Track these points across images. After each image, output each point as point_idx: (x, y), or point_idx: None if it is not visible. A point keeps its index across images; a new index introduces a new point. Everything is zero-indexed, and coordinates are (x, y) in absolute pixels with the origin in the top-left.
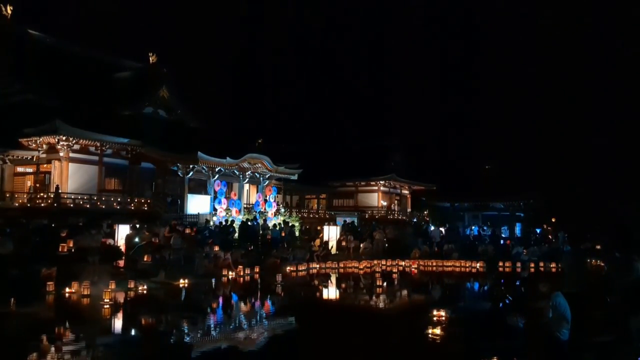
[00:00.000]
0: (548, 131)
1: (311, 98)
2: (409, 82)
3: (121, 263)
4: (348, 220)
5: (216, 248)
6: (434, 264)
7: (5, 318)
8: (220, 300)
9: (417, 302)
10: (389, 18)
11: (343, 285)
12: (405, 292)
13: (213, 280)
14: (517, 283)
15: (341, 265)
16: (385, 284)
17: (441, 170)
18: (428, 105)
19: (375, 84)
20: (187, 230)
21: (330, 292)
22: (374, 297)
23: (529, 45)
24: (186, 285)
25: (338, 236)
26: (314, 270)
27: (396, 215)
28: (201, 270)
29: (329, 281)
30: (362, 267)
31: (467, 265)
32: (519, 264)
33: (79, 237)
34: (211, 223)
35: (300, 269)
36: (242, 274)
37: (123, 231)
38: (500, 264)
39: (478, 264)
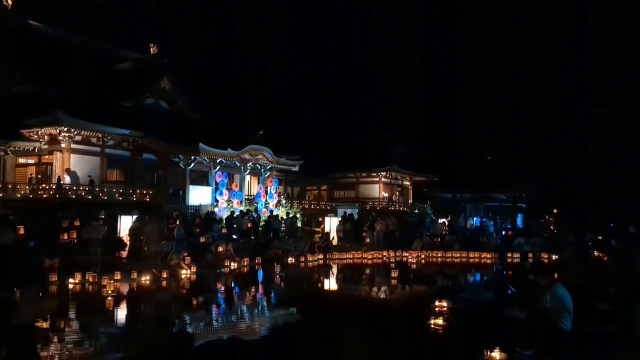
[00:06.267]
0: (550, 121)
1: (312, 90)
2: (409, 73)
3: (124, 254)
4: (349, 211)
5: (202, 239)
6: (438, 255)
7: (11, 309)
8: (223, 290)
9: (419, 292)
10: (389, 7)
11: (344, 276)
12: (406, 283)
13: (216, 271)
14: (519, 274)
15: (342, 256)
16: (387, 275)
17: (443, 161)
18: (430, 96)
19: (376, 75)
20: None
21: (331, 283)
22: (375, 288)
23: (529, 32)
24: (189, 275)
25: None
26: (316, 262)
27: (398, 206)
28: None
29: (330, 272)
30: (363, 258)
31: (472, 256)
32: (530, 255)
33: (82, 228)
34: (218, 215)
35: (301, 260)
36: (244, 264)
37: (125, 222)
38: (509, 255)
39: (484, 255)
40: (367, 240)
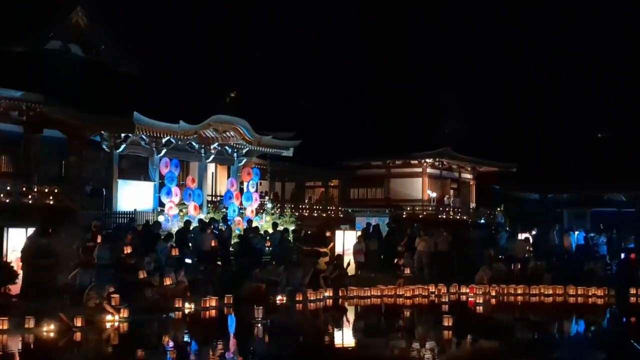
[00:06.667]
0: None
1: (314, 27)
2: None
3: (14, 289)
4: (374, 221)
5: (142, 274)
6: (517, 291)
7: None
8: (170, 349)
9: (488, 352)
10: None
11: (366, 326)
12: (468, 338)
13: (161, 318)
14: None
15: (363, 292)
16: (436, 324)
17: (525, 141)
18: (501, 40)
19: (416, 6)
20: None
21: (346, 337)
22: (417, 346)
23: None
24: (117, 324)
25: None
26: (322, 303)
27: (452, 213)
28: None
29: (344, 319)
30: (397, 296)
31: (572, 292)
32: None
33: None
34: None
35: (298, 298)
36: (206, 305)
37: (15, 238)
38: (632, 291)
39: (591, 292)
40: (406, 271)
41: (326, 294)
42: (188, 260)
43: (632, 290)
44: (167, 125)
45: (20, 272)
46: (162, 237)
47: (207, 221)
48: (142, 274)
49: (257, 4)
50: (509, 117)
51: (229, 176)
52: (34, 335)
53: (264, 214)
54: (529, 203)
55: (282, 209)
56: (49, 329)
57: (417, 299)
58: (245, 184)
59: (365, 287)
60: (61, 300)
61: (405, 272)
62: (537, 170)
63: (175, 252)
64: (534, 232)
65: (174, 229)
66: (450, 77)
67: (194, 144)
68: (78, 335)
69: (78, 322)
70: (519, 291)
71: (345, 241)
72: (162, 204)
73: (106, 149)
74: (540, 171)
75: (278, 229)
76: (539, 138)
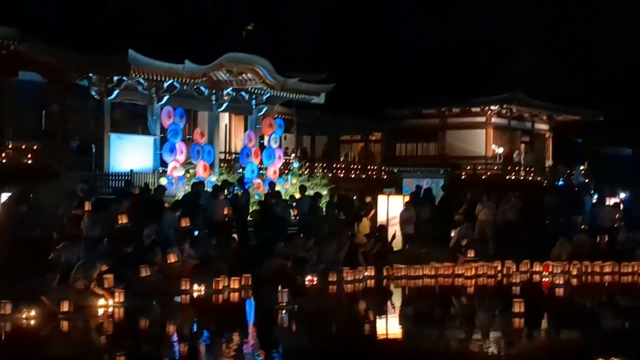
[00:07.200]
0: None
1: None
2: None
3: None
4: (425, 184)
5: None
6: (604, 269)
7: None
8: (174, 342)
9: (568, 344)
10: None
11: (416, 313)
12: (543, 327)
13: (163, 302)
14: None
15: (413, 272)
16: (503, 310)
17: (614, 83)
18: None
19: None
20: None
21: (391, 326)
22: (479, 336)
23: None
24: (110, 310)
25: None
26: (361, 285)
27: (523, 173)
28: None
29: (389, 304)
30: (455, 276)
31: None
32: None
33: None
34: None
35: (331, 279)
36: (219, 288)
37: None
38: None
39: None
40: (470, 254)
41: (366, 274)
42: (196, 233)
43: None
44: (170, 66)
45: None
46: (169, 205)
47: (220, 184)
48: (144, 272)
49: None
50: (594, 53)
51: (246, 129)
52: (11, 323)
53: (289, 176)
54: (620, 160)
55: (312, 169)
56: (28, 316)
57: (480, 279)
58: (266, 138)
59: (415, 264)
60: (44, 280)
61: (469, 254)
62: (630, 119)
63: (185, 222)
64: (625, 196)
65: (179, 194)
66: (519, 4)
67: (202, 89)
68: (64, 323)
69: (64, 307)
70: (607, 269)
71: (390, 208)
72: (164, 163)
73: (95, 96)
74: (634, 121)
75: (307, 193)
76: (633, 79)
